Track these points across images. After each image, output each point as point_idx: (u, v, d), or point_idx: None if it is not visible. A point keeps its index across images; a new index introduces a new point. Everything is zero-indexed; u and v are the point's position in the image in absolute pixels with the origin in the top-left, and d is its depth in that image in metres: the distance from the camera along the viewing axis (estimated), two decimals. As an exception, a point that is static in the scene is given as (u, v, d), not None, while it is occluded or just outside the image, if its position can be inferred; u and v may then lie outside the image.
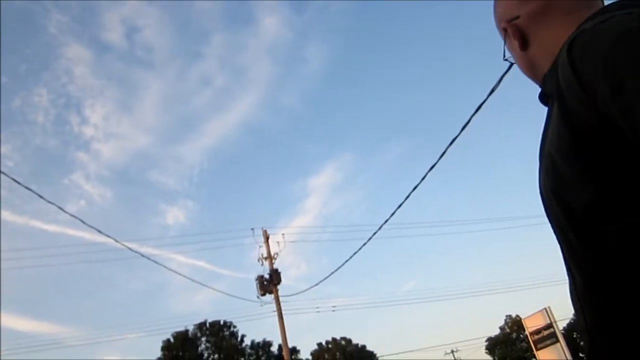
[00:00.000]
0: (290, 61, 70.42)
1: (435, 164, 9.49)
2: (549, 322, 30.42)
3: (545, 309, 30.83)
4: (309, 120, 73.00)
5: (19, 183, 9.41)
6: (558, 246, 0.87)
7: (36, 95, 63.58)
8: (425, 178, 10.28)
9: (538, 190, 0.89)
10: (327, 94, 73.27)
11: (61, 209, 10.69)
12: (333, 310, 30.01)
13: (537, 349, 31.39)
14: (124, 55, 62.83)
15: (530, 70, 1.00)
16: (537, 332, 31.10)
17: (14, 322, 57.81)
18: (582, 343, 0.86)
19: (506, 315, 59.51)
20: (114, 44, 64.85)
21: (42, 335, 55.55)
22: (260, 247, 21.58)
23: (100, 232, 12.13)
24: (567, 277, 0.87)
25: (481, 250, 77.46)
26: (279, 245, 21.51)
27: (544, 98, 0.93)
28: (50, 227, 61.56)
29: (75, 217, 11.80)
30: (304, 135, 73.45)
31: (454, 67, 69.88)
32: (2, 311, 53.49)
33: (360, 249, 16.60)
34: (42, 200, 9.91)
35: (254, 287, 20.90)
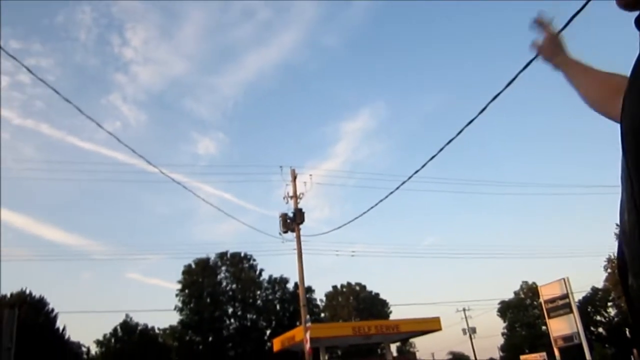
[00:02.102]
0: (335, 2, 68.35)
1: (474, 119, 9.26)
2: (565, 292, 30.45)
3: (563, 279, 30.79)
4: (348, 64, 71.62)
5: (60, 95, 9.56)
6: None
7: (80, 12, 63.66)
8: (462, 133, 10.07)
9: (629, 120, 0.84)
10: (369, 40, 71.43)
11: (99, 125, 10.90)
12: (352, 256, 30.31)
13: (549, 317, 31.59)
14: (169, -21, 61.84)
15: None
16: (552, 300, 31.19)
17: (44, 230, 60.63)
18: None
19: (522, 281, 59.68)
20: (160, -33, 63.76)
21: (70, 246, 58.21)
22: (287, 185, 21.85)
23: (134, 152, 12.42)
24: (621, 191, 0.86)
25: (506, 213, 76.84)
26: (305, 185, 21.73)
27: None
28: (86, 145, 63.21)
29: (112, 135, 12.04)
30: (341, 78, 72.32)
31: (503, 18, 66.98)
32: (34, 219, 55.89)
33: (386, 197, 16.63)
34: (79, 116, 10.15)
35: (276, 224, 21.31)
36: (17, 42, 54.50)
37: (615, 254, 0.88)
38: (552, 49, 1.51)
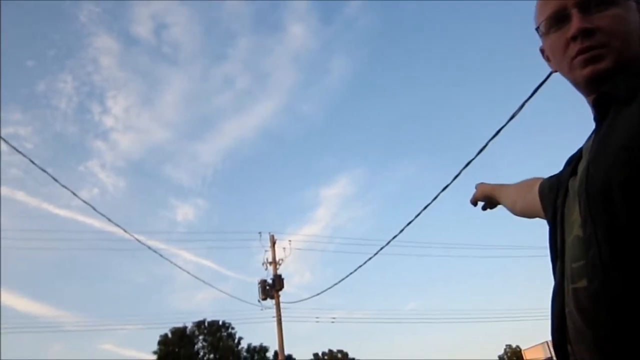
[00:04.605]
0: (313, 70, 70.40)
1: (448, 185, 9.43)
2: (549, 355, 30.03)
3: (547, 342, 30.45)
4: (326, 130, 72.86)
5: (35, 164, 9.51)
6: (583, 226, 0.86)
7: (61, 81, 64.24)
8: (437, 198, 10.23)
9: (584, 186, 0.88)
10: (346, 107, 73.12)
11: (74, 194, 10.75)
12: (332, 322, 29.77)
13: (535, 382, 30.95)
14: (151, 50, 63.29)
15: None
16: (537, 364, 30.68)
17: (16, 301, 58.29)
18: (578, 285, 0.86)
19: (506, 345, 58.79)
20: (142, 38, 65.34)
21: (42, 317, 55.93)
22: (266, 251, 21.61)
23: (110, 220, 12.19)
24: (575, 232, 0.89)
25: (488, 276, 76.65)
26: (284, 251, 21.52)
27: (609, 100, 0.92)
28: (62, 212, 61.97)
29: (87, 204, 11.91)
30: (320, 145, 73.33)
31: (478, 88, 69.60)
32: (6, 290, 54.09)
33: (365, 262, 16.52)
34: (56, 184, 10.01)
35: (255, 290, 20.92)
36: (-5, 111, 54.57)
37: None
38: (482, 191, 1.71)
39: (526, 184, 1.46)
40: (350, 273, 18.06)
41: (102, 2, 56.84)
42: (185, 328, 47.97)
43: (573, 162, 1.03)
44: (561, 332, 0.93)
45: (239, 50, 64.24)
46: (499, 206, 1.68)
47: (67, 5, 60.71)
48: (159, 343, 47.09)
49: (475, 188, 1.73)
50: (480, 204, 1.74)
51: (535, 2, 1.09)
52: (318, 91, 67.75)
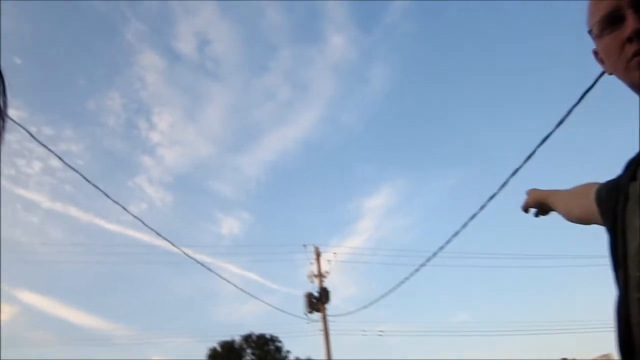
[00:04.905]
0: (353, 80, 70.35)
1: (496, 194, 9.23)
2: (609, 370, 28.71)
3: (606, 355, 29.14)
4: (368, 140, 72.52)
5: (87, 180, 9.84)
6: None
7: (109, 99, 66.64)
8: (485, 208, 10.01)
9: None
10: (388, 116, 72.70)
11: (125, 209, 11.08)
12: (380, 335, 29.30)
13: (594, 398, 29.64)
14: (194, 65, 64.99)
15: None
16: (596, 379, 29.38)
17: (69, 313, 60.31)
18: None
19: (562, 358, 56.66)
20: (185, 55, 67.05)
21: (93, 330, 57.53)
22: (310, 264, 21.63)
23: (158, 234, 12.50)
24: None
25: (540, 287, 74.10)
26: (329, 263, 21.48)
27: None
28: (112, 227, 63.97)
29: (137, 218, 12.23)
30: (361, 155, 73.05)
31: (521, 96, 68.12)
32: (61, 303, 56.18)
33: (412, 274, 16.32)
34: (107, 199, 10.35)
35: (300, 303, 20.94)
36: (50, 129, 56.91)
37: None
38: (534, 197, 1.64)
39: (581, 189, 1.40)
40: (397, 285, 17.86)
41: (148, 20, 58.89)
42: (233, 341, 48.41)
43: (632, 166, 0.99)
44: (628, 344, 0.89)
45: (280, 61, 64.99)
46: (552, 213, 1.60)
47: (115, 24, 63.20)
48: (209, 357, 47.70)
49: (527, 194, 1.67)
50: (532, 211, 1.66)
51: (587, 2, 1.05)
52: (358, 101, 67.62)
